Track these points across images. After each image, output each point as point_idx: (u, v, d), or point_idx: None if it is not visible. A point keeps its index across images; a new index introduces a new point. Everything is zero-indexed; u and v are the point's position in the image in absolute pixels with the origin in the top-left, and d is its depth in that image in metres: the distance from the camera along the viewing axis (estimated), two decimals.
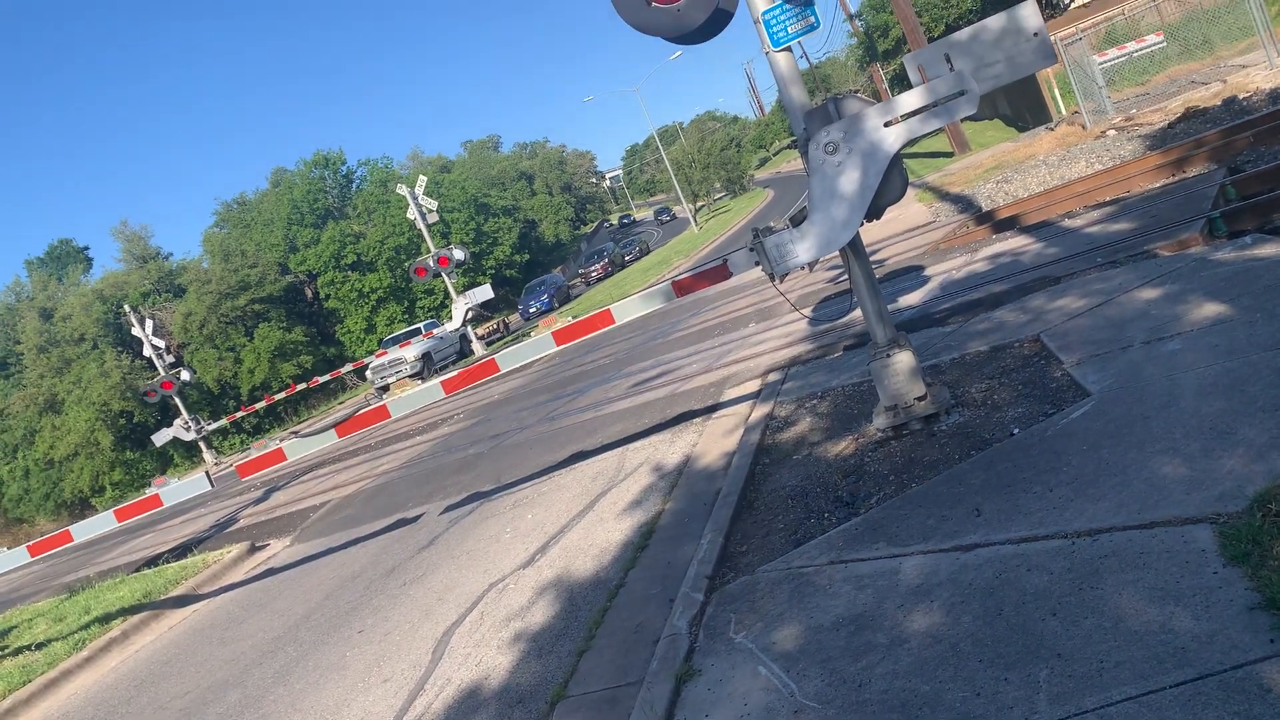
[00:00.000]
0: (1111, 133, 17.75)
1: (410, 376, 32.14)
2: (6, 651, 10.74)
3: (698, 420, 9.56)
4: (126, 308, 35.75)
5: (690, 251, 47.48)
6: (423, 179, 34.70)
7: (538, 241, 79.53)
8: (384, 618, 7.49)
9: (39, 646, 10.38)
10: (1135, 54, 23.37)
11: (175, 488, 9.33)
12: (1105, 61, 22.21)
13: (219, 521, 16.78)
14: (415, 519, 10.61)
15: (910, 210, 18.51)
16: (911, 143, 5.99)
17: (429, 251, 33.14)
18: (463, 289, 35.50)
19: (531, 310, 50.83)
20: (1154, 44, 23.26)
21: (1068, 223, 11.58)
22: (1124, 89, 23.61)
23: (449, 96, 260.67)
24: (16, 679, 9.23)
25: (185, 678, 8.04)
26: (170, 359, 35.95)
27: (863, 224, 6.01)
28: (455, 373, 8.42)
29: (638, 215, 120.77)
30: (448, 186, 64.61)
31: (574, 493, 8.86)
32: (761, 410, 8.51)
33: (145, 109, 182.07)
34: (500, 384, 20.99)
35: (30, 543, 9.93)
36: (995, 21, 5.65)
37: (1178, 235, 8.66)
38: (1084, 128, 20.18)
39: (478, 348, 34.44)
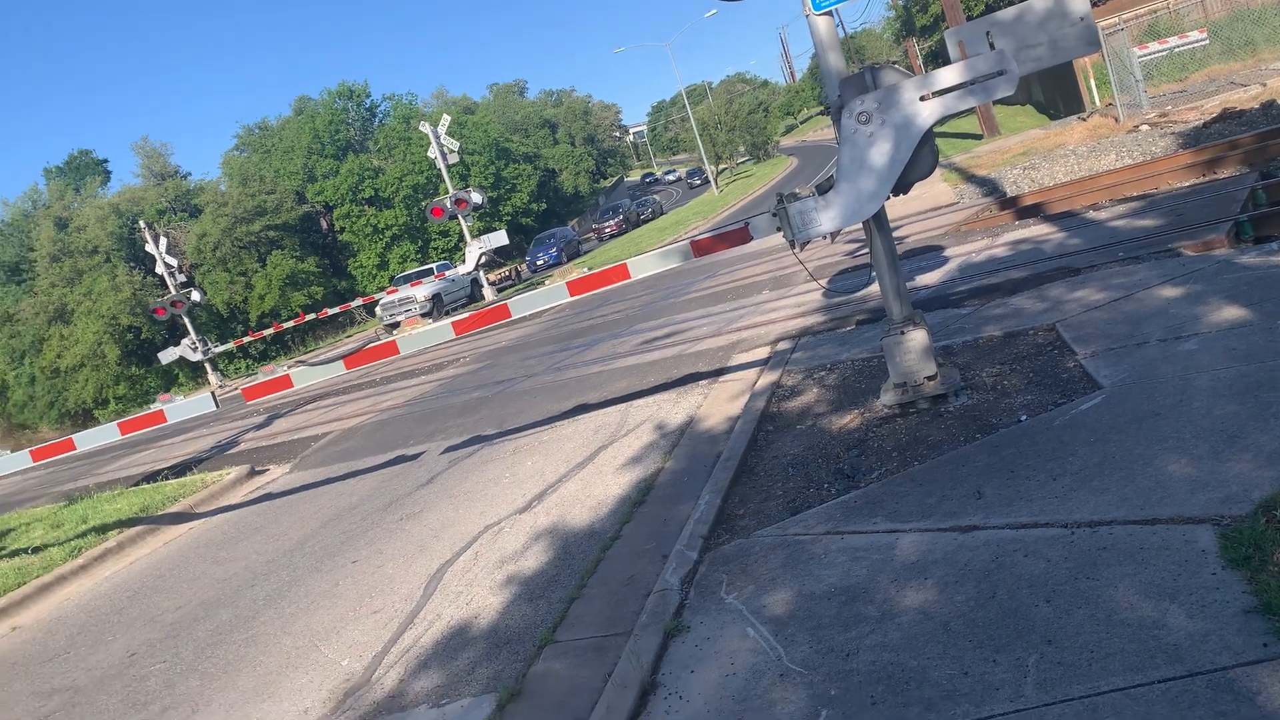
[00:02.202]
0: (1145, 128, 17.54)
1: (420, 316, 32.09)
2: (3, 554, 10.85)
3: (704, 382, 9.56)
4: (142, 223, 35.68)
5: (709, 214, 47.13)
6: (446, 118, 34.45)
7: (556, 191, 79.12)
8: (378, 550, 7.54)
9: (35, 550, 10.49)
10: (1176, 49, 23.04)
11: (181, 405, 9.38)
12: (1145, 55, 21.89)
13: (220, 443, 16.88)
14: (416, 456, 10.66)
15: (934, 189, 18.35)
16: (942, 121, 5.91)
17: (447, 192, 33.01)
18: (478, 233, 35.35)
19: (539, 263, 49.98)
20: (1196, 40, 22.92)
21: (1092, 215, 11.48)
22: (1161, 84, 23.30)
23: (477, 38, 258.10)
24: (11, 580, 9.32)
25: (178, 593, 8.13)
26: (182, 278, 35.99)
27: (889, 198, 5.96)
28: (466, 315, 8.41)
29: (679, 170, 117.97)
30: (470, 128, 64.11)
31: (575, 444, 8.88)
32: (769, 378, 8.50)
33: (174, 25, 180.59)
34: (508, 331, 20.99)
35: (33, 448, 9.99)
36: (1041, 3, 5.56)
37: (1203, 236, 8.58)
38: (1117, 120, 19.94)
39: (489, 293, 34.36)
